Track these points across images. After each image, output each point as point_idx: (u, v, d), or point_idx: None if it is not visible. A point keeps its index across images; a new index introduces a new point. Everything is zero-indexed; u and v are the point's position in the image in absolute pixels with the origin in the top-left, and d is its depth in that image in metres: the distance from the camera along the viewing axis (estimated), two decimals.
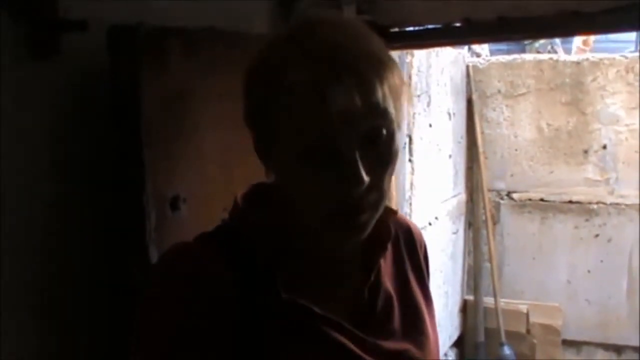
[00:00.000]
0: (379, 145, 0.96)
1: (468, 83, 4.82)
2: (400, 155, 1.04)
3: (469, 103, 4.82)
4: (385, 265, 1.14)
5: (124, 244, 1.44)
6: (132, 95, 1.40)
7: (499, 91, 4.81)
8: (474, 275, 4.91)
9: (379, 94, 0.93)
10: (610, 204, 4.59)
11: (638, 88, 4.45)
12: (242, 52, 1.49)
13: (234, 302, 0.97)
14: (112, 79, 1.42)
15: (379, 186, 0.97)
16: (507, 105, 4.80)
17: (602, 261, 4.64)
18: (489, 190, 4.85)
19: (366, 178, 0.91)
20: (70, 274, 1.44)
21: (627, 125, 4.50)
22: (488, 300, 4.77)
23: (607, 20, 2.13)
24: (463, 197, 4.88)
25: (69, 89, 1.43)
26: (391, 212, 1.13)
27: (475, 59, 4.88)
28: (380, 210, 1.01)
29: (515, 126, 4.80)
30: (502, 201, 4.90)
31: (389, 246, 1.13)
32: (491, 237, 4.78)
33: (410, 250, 1.23)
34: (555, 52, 6.15)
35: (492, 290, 4.73)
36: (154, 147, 1.43)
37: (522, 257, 4.85)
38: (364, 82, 0.92)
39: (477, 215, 4.93)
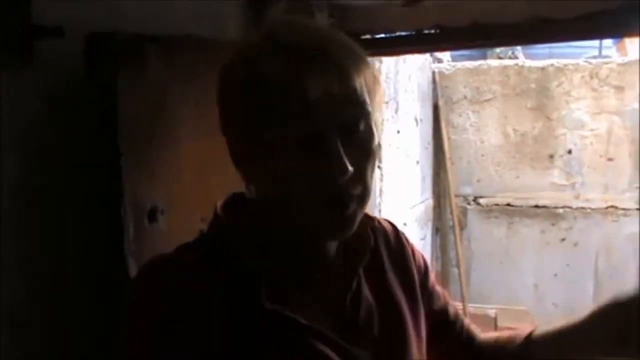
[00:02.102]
0: (358, 138, 0.96)
1: (434, 89, 4.84)
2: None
3: (436, 109, 4.84)
4: (366, 273, 1.12)
5: (102, 256, 1.41)
6: (109, 104, 1.37)
7: (465, 97, 4.84)
8: (442, 280, 4.92)
9: (356, 83, 0.94)
10: (576, 208, 4.64)
11: (602, 93, 4.50)
12: (218, 58, 1.47)
13: (219, 313, 0.96)
14: (89, 87, 1.38)
15: (362, 180, 0.97)
16: (473, 111, 4.83)
17: (568, 265, 4.68)
18: (456, 196, 4.87)
19: (350, 166, 0.91)
20: (46, 287, 1.40)
21: (592, 130, 4.56)
22: (456, 305, 4.77)
23: (580, 27, 2.14)
24: (430, 202, 4.90)
25: (44, 97, 1.39)
26: (369, 220, 1.13)
27: (441, 65, 4.90)
28: (366, 206, 1.00)
29: (482, 132, 4.82)
30: (469, 206, 4.92)
31: (368, 254, 1.12)
32: (459, 243, 4.80)
33: (392, 254, 1.22)
34: (517, 57, 6.21)
35: (460, 295, 4.74)
36: (132, 156, 1.40)
37: (489, 261, 4.87)
38: (341, 69, 0.93)
39: (445, 220, 4.95)
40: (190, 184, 1.57)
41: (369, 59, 1.02)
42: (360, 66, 0.96)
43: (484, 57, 5.57)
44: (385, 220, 1.28)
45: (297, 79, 0.91)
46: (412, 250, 1.26)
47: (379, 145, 1.01)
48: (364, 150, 0.97)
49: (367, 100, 0.97)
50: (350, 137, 0.94)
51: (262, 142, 0.95)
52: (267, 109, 0.93)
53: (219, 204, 1.10)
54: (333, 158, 0.91)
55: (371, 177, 1.00)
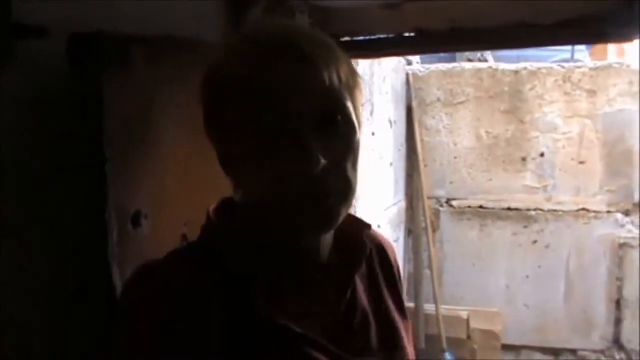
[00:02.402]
0: (336, 132, 0.96)
1: (408, 90, 4.85)
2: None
3: (409, 111, 4.84)
4: (360, 280, 1.12)
5: (84, 261, 1.38)
6: (94, 107, 1.34)
7: (439, 99, 4.85)
8: (415, 282, 4.93)
9: (325, 75, 0.94)
10: (548, 210, 4.67)
11: (575, 97, 4.55)
12: (201, 60, 1.46)
13: (217, 316, 0.95)
14: (72, 89, 1.36)
15: (342, 174, 0.97)
16: (446, 113, 4.84)
17: (540, 266, 4.72)
18: (429, 198, 4.88)
19: (321, 159, 0.91)
20: (26, 292, 1.37)
21: (564, 133, 4.60)
22: (428, 307, 4.80)
23: (560, 33, 2.15)
24: (403, 204, 4.91)
25: (26, 99, 1.36)
26: (365, 226, 1.12)
27: (414, 67, 4.91)
28: (350, 202, 1.00)
29: (455, 134, 4.84)
30: (441, 208, 4.94)
31: (363, 260, 1.11)
32: (431, 244, 4.81)
33: (383, 265, 1.22)
34: (486, 59, 6.24)
35: (432, 297, 4.76)
36: (116, 160, 1.38)
37: (461, 263, 4.90)
38: (311, 61, 0.94)
39: (417, 222, 4.96)
40: (173, 187, 1.56)
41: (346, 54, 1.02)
42: (331, 58, 0.96)
43: (453, 59, 5.59)
44: (379, 232, 1.28)
45: (265, 73, 0.92)
46: (399, 270, 1.27)
47: (359, 141, 1.01)
48: (342, 144, 0.97)
49: (344, 93, 0.97)
50: (328, 130, 0.95)
51: (241, 141, 0.95)
52: (242, 107, 0.94)
53: (211, 208, 1.09)
54: (302, 149, 0.92)
55: (353, 171, 0.99)
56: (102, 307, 1.34)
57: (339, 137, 0.97)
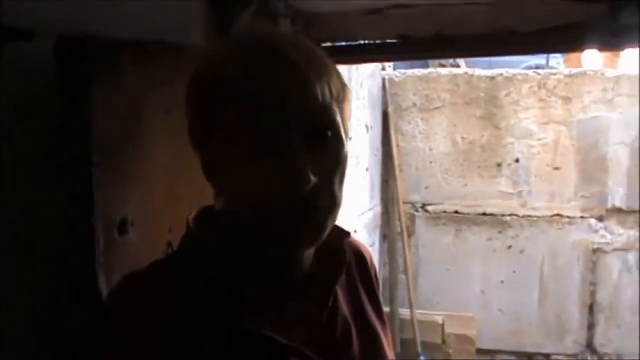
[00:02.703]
0: (325, 147, 0.95)
1: (384, 96, 4.86)
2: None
3: (385, 116, 4.85)
4: (340, 289, 1.11)
5: (71, 270, 1.35)
6: (82, 111, 1.31)
7: (415, 104, 4.86)
8: (390, 287, 4.94)
9: (318, 90, 0.92)
10: (523, 216, 4.71)
11: (550, 104, 4.58)
12: (189, 66, 1.44)
13: (196, 333, 0.93)
14: (60, 93, 1.33)
15: (330, 190, 0.96)
16: (422, 119, 4.85)
17: (514, 272, 4.75)
18: (405, 203, 4.89)
19: (312, 177, 0.90)
20: (11, 301, 1.34)
21: (539, 139, 4.63)
22: (404, 312, 4.80)
23: (543, 40, 2.17)
24: (379, 209, 4.91)
25: (12, 103, 1.33)
26: (345, 235, 1.11)
27: (391, 72, 4.92)
28: (336, 217, 0.99)
29: (431, 139, 4.85)
30: (417, 214, 4.95)
31: (344, 270, 1.11)
32: (407, 249, 4.82)
33: (362, 272, 1.22)
34: (459, 65, 6.28)
35: (408, 302, 4.77)
36: (104, 167, 1.35)
37: (437, 268, 4.91)
38: (302, 76, 0.92)
39: (393, 227, 4.96)
40: (159, 194, 1.53)
41: (336, 66, 1.00)
42: (323, 73, 0.94)
43: (426, 65, 5.61)
44: (356, 238, 1.27)
45: (253, 87, 0.90)
46: (376, 276, 1.26)
47: (347, 155, 0.99)
48: (331, 159, 0.96)
49: (334, 108, 0.95)
50: (316, 146, 0.93)
51: (225, 152, 0.94)
52: (226, 118, 0.92)
53: (191, 217, 1.07)
54: (293, 168, 0.90)
55: (340, 187, 0.98)
56: (88, 316, 1.31)
57: (328, 153, 0.95)
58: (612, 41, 1.97)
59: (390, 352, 1.18)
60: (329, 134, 0.94)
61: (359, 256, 1.22)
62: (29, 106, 1.35)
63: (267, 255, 1.00)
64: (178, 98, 1.35)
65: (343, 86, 0.99)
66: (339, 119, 0.96)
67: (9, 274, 1.32)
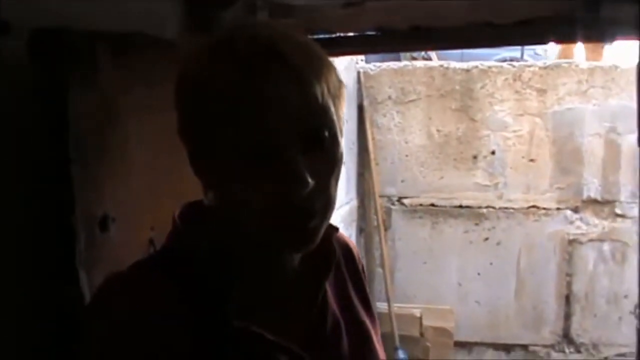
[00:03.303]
0: (322, 148, 0.91)
1: (359, 89, 4.84)
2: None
3: (360, 109, 4.84)
4: (329, 285, 1.10)
5: (51, 269, 1.33)
6: (58, 105, 1.29)
7: (390, 97, 4.85)
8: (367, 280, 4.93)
9: (317, 91, 0.89)
10: (499, 208, 4.73)
11: (525, 96, 4.60)
12: (170, 59, 1.41)
13: (182, 333, 0.91)
14: (35, 88, 1.30)
15: (326, 191, 0.93)
16: (397, 112, 4.85)
17: (491, 264, 4.77)
18: (380, 196, 4.89)
19: (310, 180, 0.87)
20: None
21: (514, 131, 4.65)
22: (381, 305, 4.80)
23: (520, 32, 2.16)
24: (355, 203, 4.90)
25: None
26: (333, 230, 1.09)
27: (366, 65, 4.90)
28: (329, 217, 0.97)
29: (406, 132, 4.85)
30: (393, 207, 4.95)
31: (333, 266, 1.09)
32: (383, 243, 4.82)
33: (349, 267, 1.20)
34: (430, 58, 6.29)
35: (385, 295, 4.77)
36: (83, 162, 1.32)
37: (413, 261, 4.92)
38: (301, 77, 0.88)
39: (369, 221, 4.96)
40: (141, 190, 1.50)
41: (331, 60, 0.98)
42: (322, 70, 0.91)
43: (398, 57, 5.60)
44: (342, 233, 1.25)
45: (251, 86, 0.86)
46: (364, 270, 1.24)
47: (342, 153, 0.97)
48: (327, 160, 0.93)
49: (331, 107, 0.92)
50: (313, 147, 0.90)
51: (219, 151, 0.91)
52: (222, 117, 0.88)
53: (176, 214, 1.04)
54: (292, 172, 0.87)
55: (335, 187, 0.96)
56: (69, 314, 1.29)
57: (324, 153, 0.92)
58: (591, 34, 1.97)
59: (380, 348, 1.17)
60: (326, 134, 0.92)
61: (346, 251, 1.20)
62: (2, 101, 1.32)
63: (259, 256, 0.98)
64: (158, 92, 1.32)
65: (339, 83, 0.96)
66: (335, 117, 0.93)
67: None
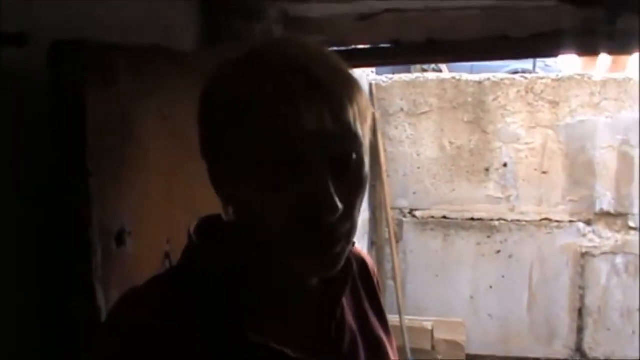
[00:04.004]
0: (349, 172, 0.88)
1: (371, 101, 4.82)
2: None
3: (372, 121, 4.82)
4: (346, 299, 1.08)
5: (67, 283, 1.32)
6: (76, 117, 1.28)
7: (402, 109, 4.85)
8: None
9: (350, 115, 0.86)
10: (511, 220, 4.71)
11: (537, 108, 4.59)
12: (185, 71, 1.40)
13: (200, 351, 0.90)
14: (53, 99, 1.29)
15: (351, 216, 0.90)
16: (409, 124, 4.84)
17: (503, 276, 4.75)
18: (392, 208, 4.87)
19: (340, 206, 0.84)
20: (6, 312, 1.31)
21: (527, 143, 4.64)
22: (393, 318, 4.77)
23: (533, 45, 2.16)
24: (366, 215, 4.89)
25: (3, 109, 1.29)
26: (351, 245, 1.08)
27: (378, 77, 4.90)
28: (352, 240, 0.95)
29: (418, 144, 4.84)
30: (404, 219, 4.93)
31: (350, 281, 1.07)
32: (395, 255, 4.80)
33: (365, 281, 1.18)
34: (440, 70, 6.28)
35: (396, 308, 4.74)
36: (100, 175, 1.31)
37: (425, 274, 4.90)
38: (335, 100, 0.85)
39: (380, 233, 4.95)
40: (157, 203, 1.49)
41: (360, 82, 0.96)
42: (355, 94, 0.88)
43: (408, 70, 5.59)
44: (357, 247, 1.23)
45: (285, 109, 0.83)
46: (379, 284, 1.23)
47: (367, 176, 0.95)
48: (355, 183, 0.89)
49: (359, 130, 0.91)
50: (341, 171, 0.87)
51: (245, 168, 0.89)
52: (252, 136, 0.85)
53: (192, 228, 1.02)
54: (323, 198, 0.84)
55: (359, 211, 0.93)
56: (85, 329, 1.28)
57: (352, 177, 0.90)
58: (609, 46, 1.96)
59: None
60: (354, 157, 0.90)
61: (362, 265, 1.19)
62: (20, 112, 1.32)
63: (278, 276, 0.97)
64: (174, 104, 1.31)
65: (367, 103, 0.94)
66: (363, 141, 0.92)
67: (5, 286, 1.29)
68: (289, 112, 0.83)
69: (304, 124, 0.83)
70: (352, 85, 0.89)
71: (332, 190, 0.84)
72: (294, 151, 0.83)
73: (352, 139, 0.87)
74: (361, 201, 0.92)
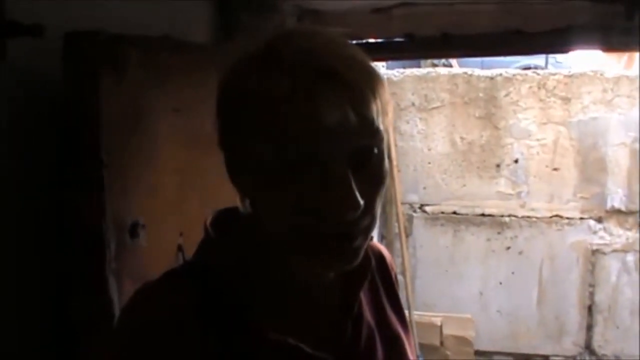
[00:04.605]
0: (370, 167, 0.87)
1: None
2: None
3: (392, 114, 4.81)
4: (363, 294, 1.07)
5: (81, 275, 1.32)
6: (91, 108, 1.28)
7: (413, 104, 4.83)
8: None
9: (373, 109, 0.84)
10: (522, 217, 4.69)
11: (549, 104, 4.57)
12: (197, 62, 1.40)
13: (215, 346, 0.89)
14: (67, 90, 1.29)
15: (371, 210, 0.88)
16: (421, 119, 4.83)
17: (513, 273, 4.73)
18: (402, 203, 4.85)
19: (362, 202, 0.82)
20: (19, 307, 1.31)
21: (538, 140, 4.62)
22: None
23: (547, 40, 2.15)
24: None
25: (17, 99, 1.29)
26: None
27: (389, 71, 4.88)
28: (371, 234, 0.94)
29: (429, 139, 4.83)
30: (415, 214, 4.92)
31: (369, 276, 1.06)
32: (404, 250, 4.78)
33: (382, 275, 1.17)
34: (451, 65, 6.25)
35: (405, 303, 4.73)
36: (113, 167, 1.31)
37: (435, 269, 4.89)
38: (359, 94, 0.83)
39: (390, 228, 4.94)
40: (169, 196, 1.49)
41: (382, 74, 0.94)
42: (377, 87, 0.86)
43: (417, 64, 5.56)
44: (375, 241, 1.22)
45: (309, 103, 0.81)
46: (396, 278, 1.22)
47: (387, 170, 0.94)
48: (375, 178, 0.88)
49: (381, 123, 0.89)
50: (362, 165, 0.85)
51: (264, 164, 0.87)
52: (273, 129, 0.83)
53: (208, 221, 1.01)
54: (344, 193, 0.82)
55: (379, 206, 0.92)
56: (98, 321, 1.28)
57: (372, 171, 0.89)
58: (625, 41, 1.95)
59: (412, 357, 1.14)
60: (375, 151, 0.88)
61: (379, 259, 1.17)
62: (34, 103, 1.32)
63: (298, 272, 0.96)
64: (187, 96, 1.31)
65: (388, 97, 0.93)
66: (384, 135, 0.91)
67: (17, 277, 1.29)
68: (309, 108, 0.81)
69: (325, 120, 0.81)
70: (374, 78, 0.86)
71: (354, 186, 0.83)
72: (313, 145, 0.82)
73: (374, 133, 0.85)
74: (381, 195, 0.90)
